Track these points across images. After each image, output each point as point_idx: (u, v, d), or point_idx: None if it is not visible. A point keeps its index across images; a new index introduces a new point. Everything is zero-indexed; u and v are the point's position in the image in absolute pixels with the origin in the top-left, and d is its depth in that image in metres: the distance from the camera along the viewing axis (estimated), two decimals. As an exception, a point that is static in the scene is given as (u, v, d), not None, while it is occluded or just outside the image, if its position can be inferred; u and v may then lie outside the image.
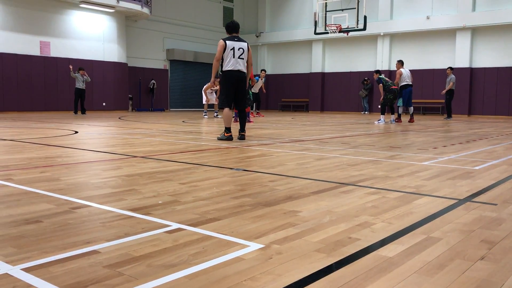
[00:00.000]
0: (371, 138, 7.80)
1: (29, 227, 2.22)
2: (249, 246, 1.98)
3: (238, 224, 2.32)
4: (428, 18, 21.39)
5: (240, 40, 7.05)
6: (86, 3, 18.99)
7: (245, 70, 7.07)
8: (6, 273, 1.64)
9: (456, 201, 2.94)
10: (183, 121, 13.18)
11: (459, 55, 20.93)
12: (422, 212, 2.62)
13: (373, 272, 1.71)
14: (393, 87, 13.16)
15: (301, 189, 3.26)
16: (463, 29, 20.63)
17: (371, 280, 1.64)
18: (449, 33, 21.21)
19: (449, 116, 16.81)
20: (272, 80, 27.64)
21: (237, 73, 6.98)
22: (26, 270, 1.67)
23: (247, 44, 7.11)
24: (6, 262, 1.74)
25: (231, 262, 1.79)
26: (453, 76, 16.32)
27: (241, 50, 6.96)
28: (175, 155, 5.18)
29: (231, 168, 4.18)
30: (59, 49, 19.06)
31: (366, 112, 23.48)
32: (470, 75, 20.76)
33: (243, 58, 6.99)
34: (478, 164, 4.69)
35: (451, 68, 16.59)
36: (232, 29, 7.10)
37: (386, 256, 1.88)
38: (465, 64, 20.82)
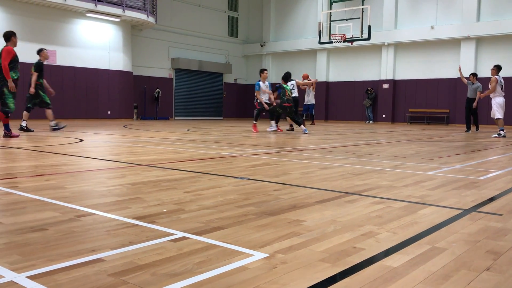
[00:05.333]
0: (375, 148, 7.79)
1: (34, 235, 2.22)
2: (253, 255, 1.98)
3: (243, 233, 2.32)
4: (432, 28, 21.43)
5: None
6: (92, 12, 19.15)
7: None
8: (12, 281, 1.64)
9: (461, 211, 2.93)
10: (188, 130, 13.22)
11: (463, 65, 20.90)
12: (427, 222, 2.61)
13: (377, 283, 1.70)
14: (287, 104, 11.96)
15: (305, 198, 3.25)
16: (468, 39, 20.64)
17: (376, 290, 1.63)
18: (454, 43, 21.23)
19: (469, 128, 14.34)
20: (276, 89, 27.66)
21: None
22: (31, 278, 1.68)
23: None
24: (12, 270, 1.75)
25: (236, 271, 1.79)
26: (479, 84, 14.18)
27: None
28: (180, 163, 5.19)
29: (235, 177, 4.18)
30: (65, 58, 19.20)
31: (371, 122, 23.47)
32: (475, 84, 20.72)
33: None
34: (483, 174, 4.67)
35: (473, 75, 14.33)
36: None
37: (391, 266, 1.88)
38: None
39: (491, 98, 12.68)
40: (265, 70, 12.74)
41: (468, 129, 14.26)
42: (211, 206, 2.95)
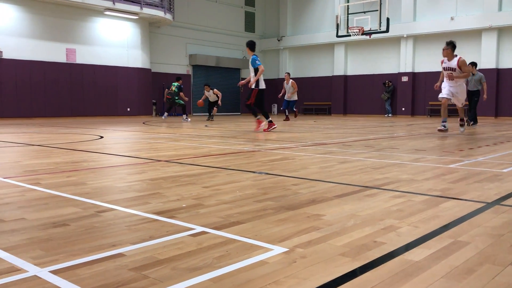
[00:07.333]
0: (395, 141, 7.71)
1: (57, 230, 2.26)
2: (273, 249, 1.97)
3: (262, 228, 2.32)
4: (452, 19, 21.05)
5: None
6: (111, 11, 19.32)
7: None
8: (35, 275, 1.67)
9: (484, 204, 2.88)
10: (206, 126, 13.27)
11: (485, 56, 20.53)
12: (449, 216, 2.57)
13: (399, 277, 1.68)
14: (168, 96, 17.03)
15: (324, 192, 3.23)
16: (489, 29, 20.23)
17: (397, 284, 1.61)
18: (475, 34, 20.82)
19: (476, 121, 13.30)
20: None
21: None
22: (54, 272, 1.70)
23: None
24: (35, 265, 1.78)
25: (255, 265, 1.78)
26: (481, 74, 12.88)
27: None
28: (198, 159, 5.21)
29: (253, 172, 4.18)
30: (85, 56, 19.44)
31: (390, 115, 23.22)
32: (497, 76, 20.33)
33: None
34: (506, 166, 4.57)
35: (473, 64, 12.82)
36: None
37: (412, 260, 1.85)
38: (492, 65, 20.40)
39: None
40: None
41: (475, 122, 13.16)
42: (230, 201, 2.95)
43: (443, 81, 9.42)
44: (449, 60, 8.98)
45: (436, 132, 9.95)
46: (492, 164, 4.78)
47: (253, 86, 10.12)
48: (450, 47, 9.01)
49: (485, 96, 12.93)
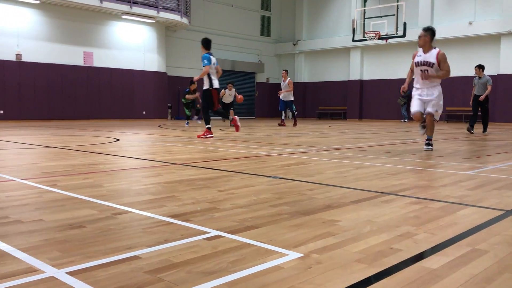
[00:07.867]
0: (412, 147, 7.63)
1: (73, 232, 2.28)
2: (288, 255, 1.96)
3: (277, 233, 2.31)
4: (470, 23, 20.83)
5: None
6: (128, 14, 19.53)
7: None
8: (52, 276, 1.68)
9: (503, 212, 2.83)
10: (220, 129, 13.30)
11: (504, 61, 20.26)
12: (467, 223, 2.53)
13: (416, 284, 1.66)
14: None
15: (340, 198, 3.21)
16: (509, 34, 19.96)
17: (414, 292, 1.59)
18: (493, 39, 20.57)
19: (486, 129, 12.72)
20: (309, 88, 27.57)
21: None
22: (71, 273, 1.71)
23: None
24: (52, 266, 1.79)
25: (270, 270, 1.78)
26: (488, 77, 12.29)
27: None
28: (213, 162, 5.22)
29: (268, 176, 4.17)
30: (102, 59, 19.67)
31: (406, 120, 23.02)
32: (516, 81, 20.05)
33: None
34: (525, 174, 4.49)
35: (480, 67, 12.36)
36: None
37: (429, 268, 1.83)
38: (511, 71, 20.12)
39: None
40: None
41: (473, 129, 12.34)
42: (244, 205, 2.95)
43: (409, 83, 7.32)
44: (425, 51, 6.77)
45: (451, 138, 9.83)
46: (511, 171, 4.70)
47: (206, 86, 9.34)
48: (429, 34, 6.77)
49: (482, 97, 12.06)
